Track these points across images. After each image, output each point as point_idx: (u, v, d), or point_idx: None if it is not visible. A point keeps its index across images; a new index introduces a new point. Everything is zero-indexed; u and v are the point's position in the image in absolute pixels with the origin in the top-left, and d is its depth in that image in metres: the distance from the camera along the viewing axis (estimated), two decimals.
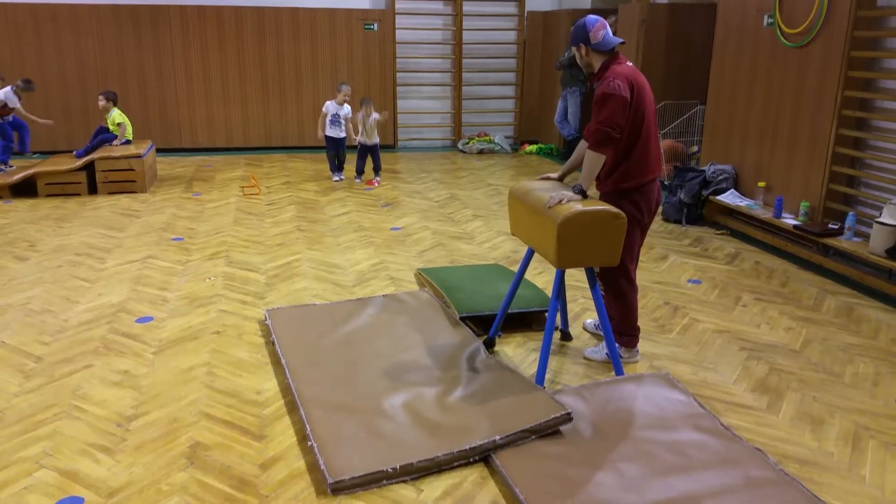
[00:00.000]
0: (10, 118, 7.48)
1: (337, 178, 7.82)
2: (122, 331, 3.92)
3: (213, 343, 3.78)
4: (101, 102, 7.48)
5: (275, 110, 9.70)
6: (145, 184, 7.19)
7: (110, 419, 3.02)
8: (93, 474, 2.65)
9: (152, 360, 3.58)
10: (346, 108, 7.66)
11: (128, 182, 7.13)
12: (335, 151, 7.79)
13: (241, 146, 9.69)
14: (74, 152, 7.27)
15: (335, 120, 7.62)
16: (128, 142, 7.47)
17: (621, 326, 3.59)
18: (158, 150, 8.79)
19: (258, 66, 9.51)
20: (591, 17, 3.36)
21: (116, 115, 7.45)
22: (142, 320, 4.06)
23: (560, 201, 3.19)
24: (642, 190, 3.38)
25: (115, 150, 7.19)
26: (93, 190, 7.07)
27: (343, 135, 7.71)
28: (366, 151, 7.73)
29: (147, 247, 5.40)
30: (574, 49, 3.42)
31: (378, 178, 7.79)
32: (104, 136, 7.39)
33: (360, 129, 7.65)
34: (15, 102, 7.37)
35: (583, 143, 3.39)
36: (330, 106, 7.64)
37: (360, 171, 7.81)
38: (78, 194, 6.99)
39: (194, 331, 3.92)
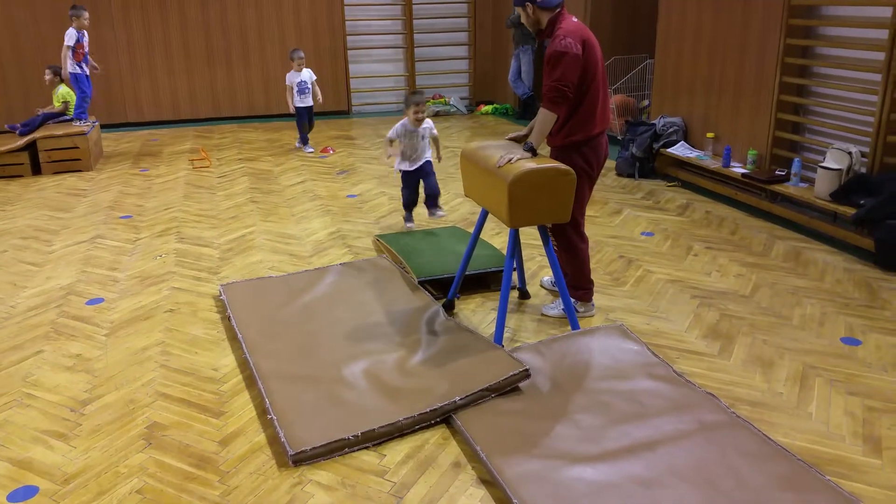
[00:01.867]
0: None
1: (309, 150, 7.58)
2: (73, 314, 3.84)
3: (166, 322, 3.72)
4: (48, 76, 7.18)
5: (222, 79, 9.45)
6: (91, 162, 6.98)
7: (64, 405, 2.97)
8: (47, 461, 2.61)
9: (105, 342, 3.52)
10: (307, 72, 7.39)
11: (73, 161, 6.91)
12: (307, 120, 7.52)
13: (190, 118, 9.45)
14: (8, 125, 6.91)
15: (302, 88, 7.35)
16: (71, 119, 7.21)
17: (575, 280, 3.63)
18: (103, 126, 8.51)
19: (202, 34, 9.23)
20: None
21: (64, 93, 7.17)
22: (92, 302, 3.98)
23: (510, 160, 3.19)
24: (591, 143, 3.42)
25: (58, 128, 6.95)
26: (36, 170, 6.85)
27: (311, 102, 7.44)
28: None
29: (95, 226, 5.27)
30: (519, 9, 3.39)
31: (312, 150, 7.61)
32: (46, 114, 7.12)
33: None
34: None
35: None
36: (292, 76, 7.35)
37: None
38: (21, 175, 6.76)
39: (147, 310, 3.86)
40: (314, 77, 7.46)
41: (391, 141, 4.84)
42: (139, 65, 9.15)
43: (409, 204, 5.03)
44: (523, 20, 3.45)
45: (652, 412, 2.78)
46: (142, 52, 9.11)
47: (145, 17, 9.00)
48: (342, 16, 9.61)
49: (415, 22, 9.96)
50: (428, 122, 4.79)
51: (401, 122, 4.73)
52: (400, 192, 5.06)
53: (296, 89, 7.36)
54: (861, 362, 3.20)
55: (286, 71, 7.50)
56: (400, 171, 4.93)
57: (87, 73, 7.14)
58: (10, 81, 8.74)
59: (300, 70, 7.35)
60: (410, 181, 4.94)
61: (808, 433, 2.71)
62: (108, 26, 8.87)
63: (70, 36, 6.89)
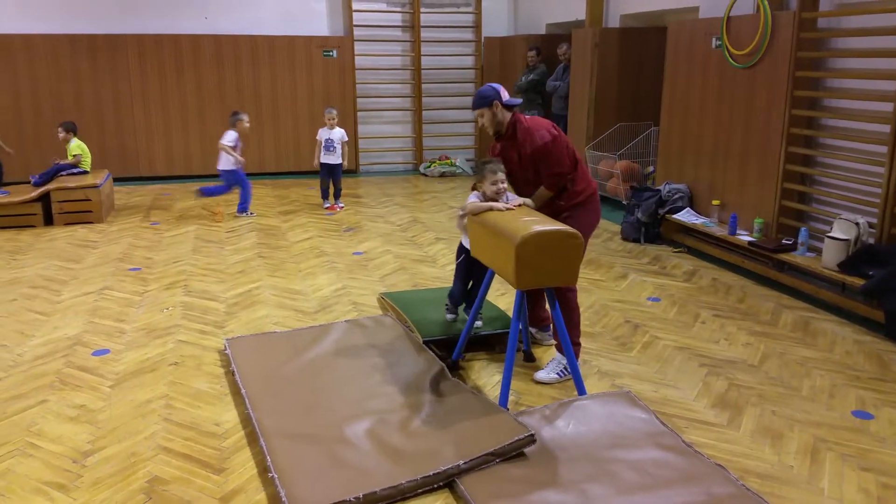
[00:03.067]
0: None
1: (328, 205, 7.67)
2: (78, 364, 3.82)
3: (171, 375, 3.70)
4: (61, 134, 7.35)
5: None
6: (102, 214, 7.06)
7: (66, 455, 2.94)
8: None
9: (109, 393, 3.49)
10: (339, 131, 7.54)
11: (84, 213, 7.00)
12: (329, 178, 7.63)
13: (201, 174, 9.59)
14: (31, 177, 7.10)
15: (329, 145, 7.48)
16: (84, 172, 7.34)
17: (574, 333, 3.72)
18: (116, 180, 8.65)
19: (217, 94, 9.46)
20: (494, 83, 3.69)
21: (75, 146, 7.32)
22: (98, 353, 3.97)
23: (510, 206, 3.43)
24: (594, 197, 3.75)
25: (71, 180, 7.06)
26: (48, 221, 6.93)
27: (338, 161, 7.55)
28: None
29: (103, 278, 5.29)
30: (485, 110, 3.62)
31: (342, 205, 7.76)
32: (59, 166, 7.25)
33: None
34: None
35: None
36: (322, 132, 7.52)
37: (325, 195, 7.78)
38: (33, 226, 6.83)
39: (152, 363, 3.85)
40: (345, 138, 7.61)
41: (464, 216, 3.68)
42: (154, 122, 9.35)
43: (459, 300, 4.06)
44: (486, 122, 3.68)
45: (660, 483, 2.73)
46: (157, 109, 9.33)
47: (162, 75, 9.25)
48: (353, 79, 9.87)
49: (423, 86, 10.21)
50: (511, 197, 3.63)
51: (474, 194, 3.63)
52: (452, 282, 4.14)
53: (323, 145, 7.50)
54: (874, 437, 3.15)
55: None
56: (461, 256, 3.98)
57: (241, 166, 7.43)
58: (28, 138, 8.92)
59: (332, 128, 7.49)
60: (469, 271, 3.95)
61: None
62: (124, 84, 9.12)
63: (230, 138, 7.26)
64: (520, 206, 3.49)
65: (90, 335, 4.22)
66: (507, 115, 3.65)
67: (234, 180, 7.39)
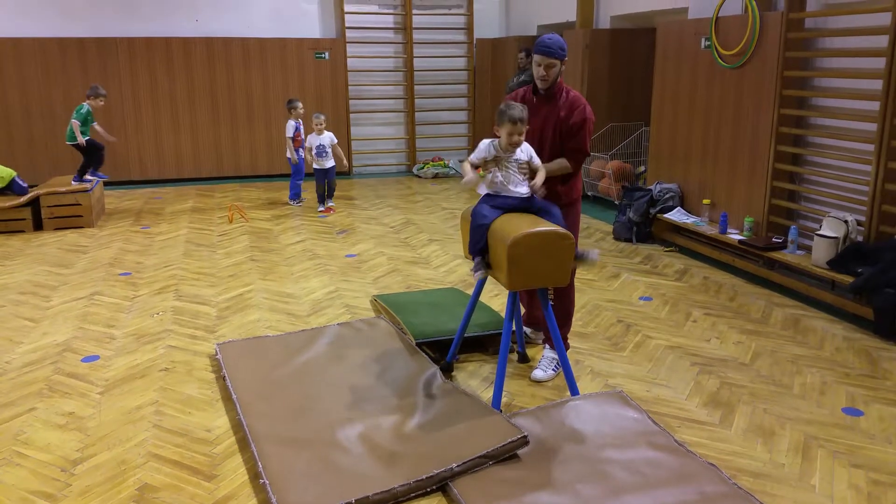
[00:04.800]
0: None
1: (322, 209, 7.69)
2: (68, 371, 3.80)
3: (161, 381, 3.68)
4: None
5: (226, 140, 9.61)
6: (92, 218, 7.03)
7: (54, 464, 2.91)
8: None
9: (99, 400, 3.47)
10: (327, 135, 7.55)
11: (74, 217, 6.96)
12: (323, 181, 7.68)
13: (192, 177, 9.56)
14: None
15: (320, 151, 7.52)
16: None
17: (567, 326, 3.77)
18: (106, 184, 8.61)
19: (208, 97, 9.43)
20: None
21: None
22: (88, 359, 3.94)
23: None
24: (580, 200, 3.75)
25: (61, 184, 7.03)
26: (38, 226, 6.89)
27: (331, 164, 7.60)
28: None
29: (94, 283, 5.26)
30: (560, 63, 3.41)
31: (332, 204, 7.78)
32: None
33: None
34: None
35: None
36: (312, 138, 7.56)
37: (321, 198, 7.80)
38: (22, 231, 6.80)
39: (142, 368, 3.82)
40: (335, 140, 7.63)
41: (475, 166, 3.36)
42: (144, 123, 9.32)
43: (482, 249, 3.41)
44: (550, 75, 3.42)
45: (653, 482, 2.73)
46: (147, 111, 9.29)
47: (152, 80, 9.22)
48: (346, 80, 9.85)
49: (416, 88, 10.20)
50: (526, 147, 3.35)
51: (487, 141, 3.33)
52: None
53: (314, 152, 7.52)
54: (864, 434, 3.16)
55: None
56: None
57: (304, 157, 7.74)
58: (18, 138, 8.88)
59: (321, 133, 7.51)
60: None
61: None
62: (115, 87, 9.07)
63: (289, 127, 7.58)
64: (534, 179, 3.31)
65: (80, 341, 4.20)
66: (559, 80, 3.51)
67: (293, 168, 7.87)
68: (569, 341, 3.93)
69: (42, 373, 3.78)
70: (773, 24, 5.20)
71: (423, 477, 2.72)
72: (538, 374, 3.68)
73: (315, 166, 7.56)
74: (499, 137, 3.26)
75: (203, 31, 9.37)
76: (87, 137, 7.08)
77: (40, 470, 2.87)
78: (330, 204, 7.77)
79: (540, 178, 3.30)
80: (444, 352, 3.83)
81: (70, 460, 2.94)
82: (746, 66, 5.48)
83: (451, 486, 2.72)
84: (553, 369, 3.68)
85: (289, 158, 7.80)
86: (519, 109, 3.20)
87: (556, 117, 3.50)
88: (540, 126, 3.52)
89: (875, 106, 4.51)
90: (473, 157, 3.34)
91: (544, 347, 3.89)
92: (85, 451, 3.02)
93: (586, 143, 3.49)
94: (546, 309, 3.36)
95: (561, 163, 3.53)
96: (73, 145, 7.10)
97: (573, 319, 3.90)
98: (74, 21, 8.95)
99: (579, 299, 4.78)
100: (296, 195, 7.96)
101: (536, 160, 3.36)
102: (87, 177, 7.23)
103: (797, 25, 5.15)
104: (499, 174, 3.32)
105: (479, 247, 3.33)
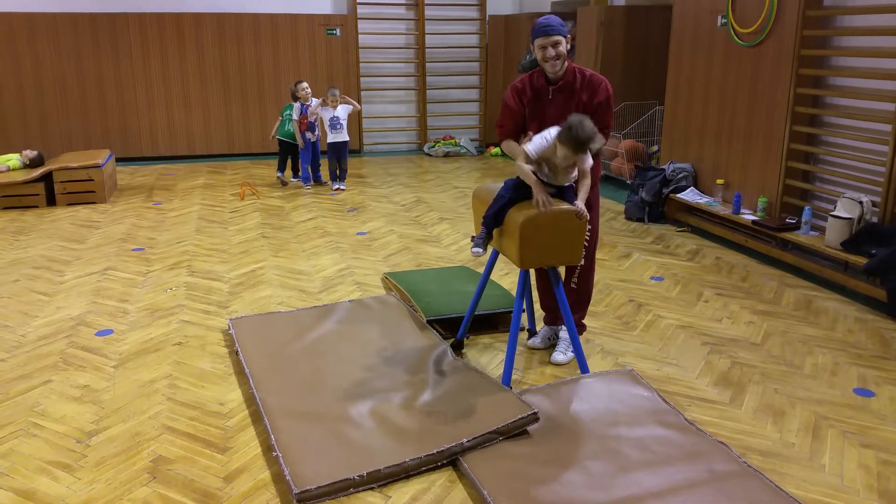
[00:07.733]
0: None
1: (336, 187, 7.61)
2: (82, 344, 3.84)
3: (175, 355, 3.72)
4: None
5: (237, 117, 9.60)
6: (105, 194, 7.06)
7: (70, 435, 2.96)
8: (51, 493, 2.58)
9: (113, 373, 3.51)
10: (342, 107, 7.43)
11: (87, 193, 7.00)
12: (336, 158, 7.49)
13: (204, 154, 9.57)
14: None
15: (335, 123, 7.37)
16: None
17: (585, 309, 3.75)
18: (118, 160, 8.65)
19: (220, 73, 9.41)
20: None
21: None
22: (102, 333, 3.98)
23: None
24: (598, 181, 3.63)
25: (74, 160, 7.05)
26: (51, 202, 6.93)
27: (345, 138, 7.44)
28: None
29: (107, 258, 5.30)
30: (563, 39, 3.30)
31: (343, 187, 7.69)
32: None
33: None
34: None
35: None
36: (326, 111, 7.40)
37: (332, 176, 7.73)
38: (36, 206, 6.84)
39: (156, 343, 3.86)
40: (350, 108, 7.51)
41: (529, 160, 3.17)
42: (156, 101, 9.32)
43: (493, 222, 3.31)
44: (559, 53, 3.29)
45: (662, 460, 2.74)
46: (159, 90, 9.29)
47: (164, 56, 9.20)
48: (357, 57, 9.80)
49: (428, 65, 10.13)
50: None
51: (547, 140, 3.12)
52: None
53: (328, 124, 7.41)
54: (875, 414, 3.15)
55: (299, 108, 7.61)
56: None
57: (312, 140, 7.63)
58: (31, 113, 8.91)
59: (335, 107, 7.41)
60: (519, 190, 3.24)
61: (821, 485, 2.66)
62: (126, 63, 9.07)
63: (294, 109, 7.48)
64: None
65: (94, 315, 4.24)
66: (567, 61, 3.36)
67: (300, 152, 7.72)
68: (584, 323, 3.91)
69: (57, 346, 3.82)
70: (791, 1, 5.12)
71: (434, 451, 2.74)
72: (558, 356, 3.64)
73: (329, 140, 7.40)
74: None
75: (215, 7, 9.32)
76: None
77: (56, 441, 2.92)
78: (341, 186, 7.62)
79: (583, 197, 3.20)
80: (454, 329, 3.84)
81: (85, 432, 2.98)
82: (763, 45, 5.41)
83: (462, 461, 2.74)
84: (573, 351, 3.65)
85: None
86: (588, 133, 2.97)
87: (577, 101, 3.36)
88: (558, 115, 3.27)
89: (893, 86, 4.45)
90: (533, 150, 3.12)
91: (560, 329, 3.86)
92: (100, 423, 3.06)
93: (612, 119, 3.44)
94: (557, 287, 3.36)
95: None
96: (287, 142, 7.63)
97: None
98: None
99: None
100: (305, 178, 7.72)
101: (589, 160, 3.17)
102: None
103: (816, 3, 5.06)
104: (546, 169, 3.20)
105: (498, 219, 3.26)
